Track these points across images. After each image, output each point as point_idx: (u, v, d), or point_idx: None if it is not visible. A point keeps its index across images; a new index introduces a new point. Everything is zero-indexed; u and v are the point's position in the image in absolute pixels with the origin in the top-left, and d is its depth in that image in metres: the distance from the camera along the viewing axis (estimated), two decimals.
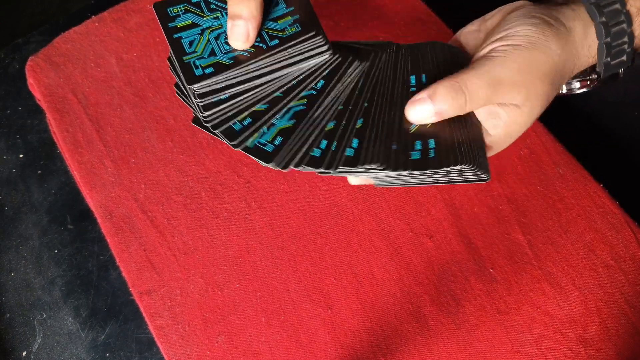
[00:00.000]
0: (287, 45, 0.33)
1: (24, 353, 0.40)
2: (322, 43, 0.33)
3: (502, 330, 0.36)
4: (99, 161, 0.42)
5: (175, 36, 0.33)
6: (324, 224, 0.40)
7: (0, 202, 0.44)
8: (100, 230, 0.40)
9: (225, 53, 0.33)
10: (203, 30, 0.34)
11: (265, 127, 0.32)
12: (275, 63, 0.33)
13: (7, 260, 0.43)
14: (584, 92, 0.37)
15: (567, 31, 0.32)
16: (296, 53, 0.33)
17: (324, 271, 0.38)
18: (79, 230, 0.42)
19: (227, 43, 0.33)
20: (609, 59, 0.33)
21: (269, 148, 0.32)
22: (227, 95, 0.32)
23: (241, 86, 0.32)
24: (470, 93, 0.30)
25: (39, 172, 0.45)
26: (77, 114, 0.44)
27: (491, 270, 0.38)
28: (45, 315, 0.41)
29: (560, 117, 0.43)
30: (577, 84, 0.37)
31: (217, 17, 0.35)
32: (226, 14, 0.34)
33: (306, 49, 0.33)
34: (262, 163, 0.32)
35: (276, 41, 0.33)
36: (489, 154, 0.33)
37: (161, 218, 0.40)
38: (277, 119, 0.33)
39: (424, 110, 0.31)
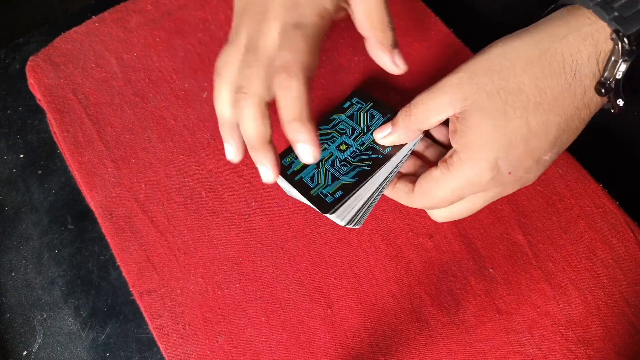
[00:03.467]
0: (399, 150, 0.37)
1: (24, 353, 0.40)
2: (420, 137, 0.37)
3: (501, 330, 0.36)
4: (100, 161, 0.42)
5: (296, 179, 0.37)
6: (324, 224, 0.40)
7: (1, 202, 0.45)
8: (100, 230, 0.41)
9: (346, 174, 0.36)
10: (318, 164, 0.37)
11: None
12: (391, 166, 0.37)
13: (8, 260, 0.43)
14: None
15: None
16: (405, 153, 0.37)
17: (324, 271, 0.38)
18: (79, 230, 0.43)
19: (343, 165, 0.37)
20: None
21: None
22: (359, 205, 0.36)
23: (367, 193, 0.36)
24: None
25: (40, 172, 0.45)
26: (78, 114, 0.44)
27: (491, 270, 0.38)
28: (45, 315, 0.41)
29: None
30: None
31: (325, 149, 0.38)
32: (331, 142, 0.38)
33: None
34: (320, 211, 0.35)
35: (389, 149, 0.37)
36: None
37: (161, 218, 0.40)
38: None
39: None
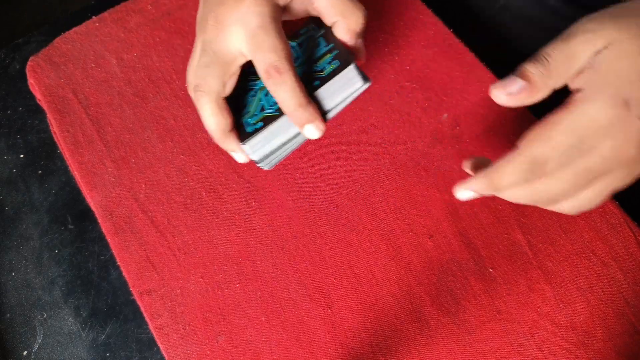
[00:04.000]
0: (328, 82, 0.34)
1: (25, 353, 0.40)
2: (359, 79, 0.34)
3: (501, 330, 0.36)
4: (100, 161, 0.42)
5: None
6: (324, 224, 0.40)
7: (1, 202, 0.45)
8: (100, 230, 0.41)
9: (273, 105, 0.35)
10: (256, 92, 0.36)
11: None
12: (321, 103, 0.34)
13: (8, 260, 0.43)
14: None
15: None
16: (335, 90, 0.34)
17: (324, 271, 0.38)
18: (79, 230, 0.43)
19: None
20: None
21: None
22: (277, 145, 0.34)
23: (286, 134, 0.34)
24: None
25: (40, 172, 0.45)
26: (78, 114, 0.44)
27: (491, 270, 0.38)
28: (45, 315, 0.41)
29: None
30: None
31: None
32: None
33: (344, 85, 0.34)
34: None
35: (317, 82, 0.34)
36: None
37: (161, 218, 0.40)
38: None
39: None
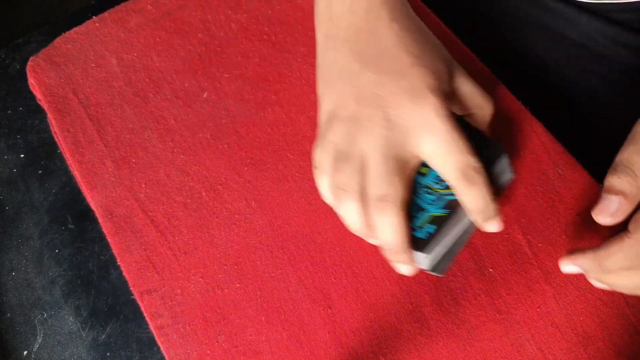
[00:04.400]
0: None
1: (25, 352, 0.40)
2: (509, 170, 0.34)
3: (501, 330, 0.36)
4: (100, 161, 0.42)
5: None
6: (324, 223, 0.40)
7: (1, 202, 0.45)
8: (100, 230, 0.41)
9: (432, 204, 0.33)
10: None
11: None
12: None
13: (8, 260, 0.43)
14: None
15: None
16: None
17: (324, 271, 0.38)
18: (79, 230, 0.43)
19: (427, 193, 0.33)
20: None
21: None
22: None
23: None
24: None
25: (40, 172, 0.45)
26: (78, 114, 0.44)
27: (491, 270, 0.38)
28: (46, 314, 0.41)
29: (560, 117, 0.44)
30: None
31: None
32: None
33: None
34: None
35: None
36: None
37: (162, 218, 0.40)
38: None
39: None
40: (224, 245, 0.39)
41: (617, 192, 0.30)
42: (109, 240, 0.40)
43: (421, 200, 0.32)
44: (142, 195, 0.41)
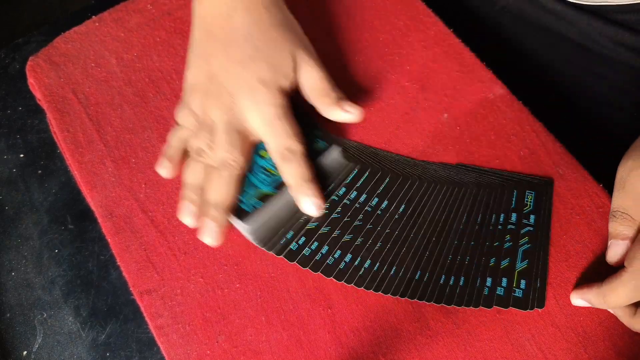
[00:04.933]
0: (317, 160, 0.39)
1: (25, 352, 0.40)
2: (339, 156, 0.39)
3: (502, 330, 0.36)
4: (100, 161, 0.42)
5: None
6: None
7: (1, 201, 0.45)
8: (100, 230, 0.41)
9: (262, 182, 0.38)
10: None
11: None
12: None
13: (8, 260, 0.43)
14: None
15: None
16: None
17: None
18: (79, 230, 0.43)
19: (263, 173, 0.38)
20: None
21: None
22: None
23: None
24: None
25: (40, 172, 0.45)
26: (78, 113, 0.44)
27: None
28: (45, 314, 0.41)
29: (559, 116, 0.44)
30: None
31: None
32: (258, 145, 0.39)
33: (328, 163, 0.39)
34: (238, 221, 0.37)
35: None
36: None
37: (162, 218, 0.40)
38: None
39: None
40: (224, 245, 0.39)
41: (623, 238, 0.36)
42: (109, 240, 0.40)
43: (256, 179, 0.38)
44: (142, 195, 0.41)
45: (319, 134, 0.40)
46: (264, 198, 0.37)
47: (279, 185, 0.38)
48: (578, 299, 0.36)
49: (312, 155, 0.38)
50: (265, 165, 0.38)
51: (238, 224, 0.37)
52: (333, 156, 0.39)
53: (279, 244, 0.37)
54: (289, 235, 0.37)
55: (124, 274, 0.39)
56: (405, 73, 0.45)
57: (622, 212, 0.36)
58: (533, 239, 0.37)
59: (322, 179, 0.38)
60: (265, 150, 0.38)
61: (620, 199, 0.36)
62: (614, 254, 0.36)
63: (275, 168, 0.37)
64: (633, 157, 0.37)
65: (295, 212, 0.37)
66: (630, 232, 0.35)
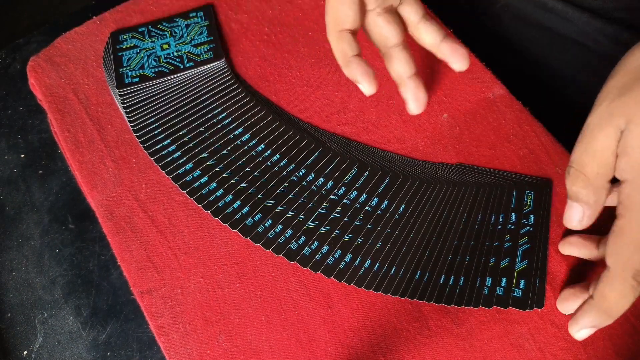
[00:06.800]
0: (199, 67, 0.43)
1: (25, 352, 0.40)
2: (225, 69, 0.42)
3: (501, 330, 0.36)
4: (100, 161, 0.42)
5: (119, 54, 0.44)
6: None
7: (1, 202, 0.45)
8: (101, 229, 0.41)
9: (151, 68, 0.42)
10: (140, 51, 0.44)
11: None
12: (186, 80, 0.42)
13: (8, 259, 0.43)
14: None
15: None
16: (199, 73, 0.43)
17: None
18: (80, 230, 0.43)
19: (154, 60, 0.43)
20: None
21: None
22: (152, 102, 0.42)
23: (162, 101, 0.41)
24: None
25: (40, 172, 0.45)
26: (78, 114, 0.44)
27: None
28: (46, 314, 0.41)
29: (559, 116, 0.44)
30: None
31: (153, 42, 0.44)
32: (161, 38, 0.44)
33: (209, 72, 0.43)
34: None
35: (191, 63, 0.43)
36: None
37: (162, 218, 0.40)
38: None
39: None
40: (224, 245, 0.39)
41: (578, 200, 0.31)
42: (109, 240, 0.40)
43: (146, 64, 0.45)
44: (142, 195, 0.41)
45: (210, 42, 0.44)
46: (142, 76, 0.42)
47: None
48: (582, 332, 0.33)
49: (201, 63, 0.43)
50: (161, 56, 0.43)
51: None
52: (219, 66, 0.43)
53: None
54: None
55: (125, 273, 0.39)
56: None
57: (577, 170, 0.30)
58: (532, 238, 0.37)
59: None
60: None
61: (578, 152, 0.30)
62: (568, 218, 0.32)
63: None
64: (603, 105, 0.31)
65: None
66: (587, 196, 0.30)
